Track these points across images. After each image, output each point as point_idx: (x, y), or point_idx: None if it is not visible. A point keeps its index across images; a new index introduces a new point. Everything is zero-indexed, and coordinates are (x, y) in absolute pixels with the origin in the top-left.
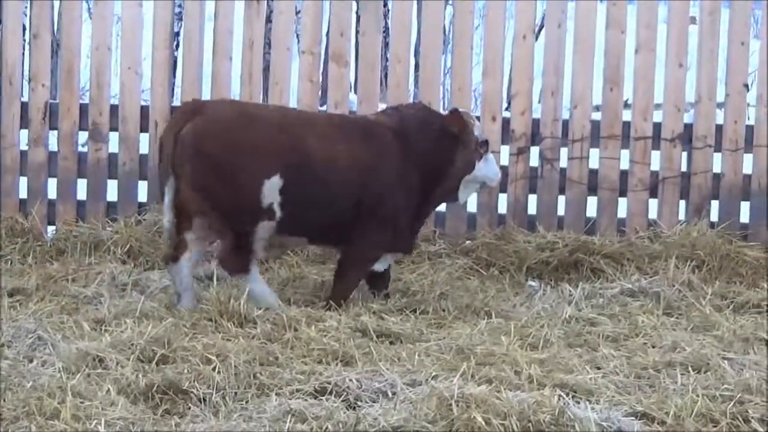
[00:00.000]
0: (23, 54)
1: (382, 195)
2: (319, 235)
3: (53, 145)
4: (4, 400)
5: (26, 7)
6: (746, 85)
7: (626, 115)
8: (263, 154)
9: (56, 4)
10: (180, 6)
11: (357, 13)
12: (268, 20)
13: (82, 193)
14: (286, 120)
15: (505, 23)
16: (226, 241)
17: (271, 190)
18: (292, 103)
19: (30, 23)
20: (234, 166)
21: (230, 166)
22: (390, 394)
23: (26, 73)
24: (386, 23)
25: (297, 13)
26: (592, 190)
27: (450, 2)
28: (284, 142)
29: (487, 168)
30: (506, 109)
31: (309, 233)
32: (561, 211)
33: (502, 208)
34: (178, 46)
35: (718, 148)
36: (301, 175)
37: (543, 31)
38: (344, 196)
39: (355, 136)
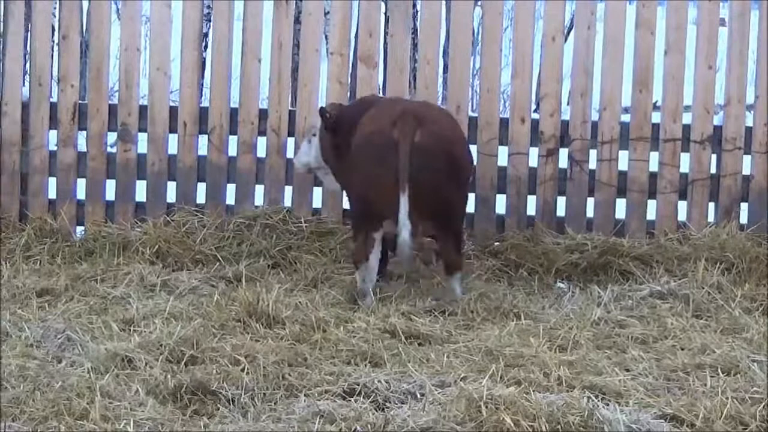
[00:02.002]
0: (52, 55)
1: None
2: None
3: (82, 146)
4: (33, 401)
5: (55, 8)
6: None
7: (655, 117)
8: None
9: (85, 5)
10: (209, 7)
11: (386, 14)
12: (297, 21)
13: (110, 194)
14: None
15: (534, 24)
16: (450, 243)
17: None
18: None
19: (59, 24)
20: (468, 171)
21: (466, 172)
22: (419, 396)
23: (55, 74)
24: (414, 24)
25: (326, 14)
26: (621, 192)
27: (479, 3)
28: None
29: None
30: (535, 110)
31: None
32: (590, 212)
33: (531, 209)
34: (206, 46)
35: (747, 150)
36: None
37: (572, 33)
38: None
39: None
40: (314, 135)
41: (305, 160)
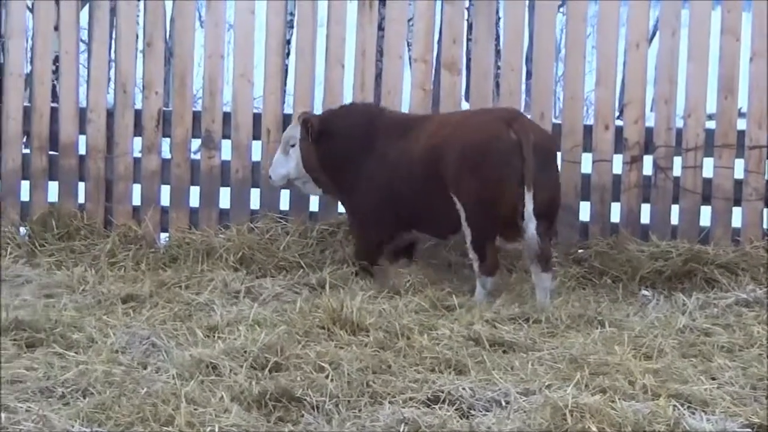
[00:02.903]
0: (136, 62)
1: None
2: None
3: (166, 153)
4: (119, 406)
5: (139, 15)
6: None
7: (741, 124)
8: None
9: (168, 11)
10: (291, 13)
11: (469, 20)
12: (380, 28)
13: (194, 201)
14: None
15: (618, 30)
16: (550, 238)
17: None
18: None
19: (143, 31)
20: None
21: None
22: (503, 404)
23: (139, 81)
24: (497, 31)
25: (409, 20)
26: (706, 199)
27: (562, 9)
28: None
29: None
30: (618, 117)
31: None
32: (674, 220)
33: (615, 216)
34: (288, 53)
35: None
36: None
37: (656, 39)
38: None
39: None
40: (293, 146)
41: (283, 171)
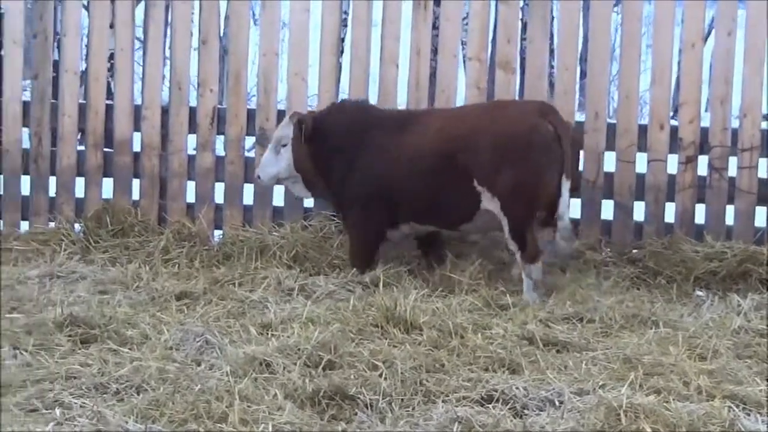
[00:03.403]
0: (191, 60)
1: None
2: None
3: (220, 150)
4: (173, 403)
5: (193, 14)
6: None
7: None
8: None
9: (223, 10)
10: (346, 12)
11: (523, 20)
12: (434, 27)
13: (248, 198)
14: None
15: (674, 29)
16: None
17: None
18: None
19: (198, 29)
20: None
21: None
22: (557, 403)
23: (194, 78)
24: (551, 30)
25: (463, 19)
26: (762, 200)
27: (616, 9)
28: None
29: None
30: (673, 117)
31: None
32: (729, 220)
33: (670, 217)
34: (342, 52)
35: None
36: None
37: (711, 38)
38: None
39: None
40: (284, 145)
41: (273, 171)
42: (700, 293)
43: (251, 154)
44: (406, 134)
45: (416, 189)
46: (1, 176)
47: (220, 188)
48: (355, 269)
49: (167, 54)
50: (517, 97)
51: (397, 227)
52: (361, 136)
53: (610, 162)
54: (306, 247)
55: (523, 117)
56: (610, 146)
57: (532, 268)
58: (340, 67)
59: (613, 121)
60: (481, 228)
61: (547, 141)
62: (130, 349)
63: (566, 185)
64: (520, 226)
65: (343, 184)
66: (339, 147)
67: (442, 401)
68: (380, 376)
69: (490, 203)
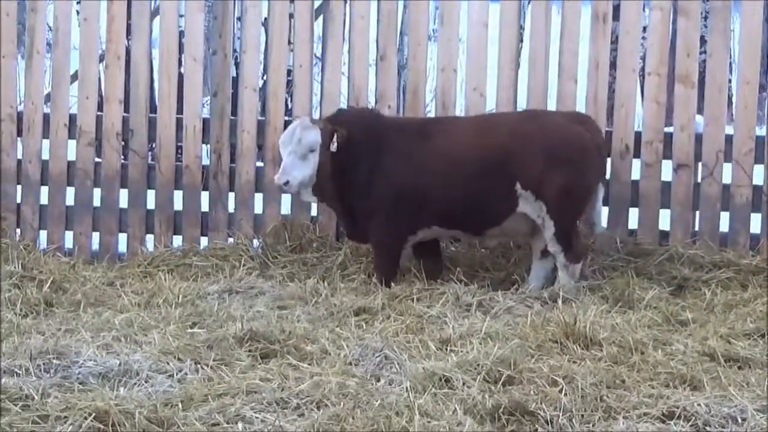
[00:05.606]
0: (369, 75)
1: None
2: None
3: None
4: (353, 418)
5: (370, 29)
6: None
7: None
8: None
9: (399, 26)
10: (522, 27)
11: (703, 35)
12: (612, 41)
13: None
14: None
15: None
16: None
17: None
18: (638, 126)
19: (377, 45)
20: None
21: None
22: (740, 420)
23: (372, 94)
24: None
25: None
26: None
27: None
28: None
29: None
30: None
31: None
32: None
33: None
34: (518, 66)
35: None
36: None
37: None
38: None
39: None
40: (312, 151)
41: (301, 176)
42: None
43: None
44: (434, 141)
45: (449, 194)
46: (181, 192)
47: None
48: (381, 280)
49: (345, 70)
50: (696, 113)
51: (416, 233)
52: (383, 143)
53: None
54: (484, 263)
55: (569, 124)
56: None
57: (576, 268)
58: (518, 82)
59: None
60: (505, 232)
61: (590, 149)
62: (309, 364)
63: (601, 191)
64: (566, 228)
65: (365, 190)
66: (363, 154)
67: (623, 417)
68: (560, 391)
69: (529, 206)
